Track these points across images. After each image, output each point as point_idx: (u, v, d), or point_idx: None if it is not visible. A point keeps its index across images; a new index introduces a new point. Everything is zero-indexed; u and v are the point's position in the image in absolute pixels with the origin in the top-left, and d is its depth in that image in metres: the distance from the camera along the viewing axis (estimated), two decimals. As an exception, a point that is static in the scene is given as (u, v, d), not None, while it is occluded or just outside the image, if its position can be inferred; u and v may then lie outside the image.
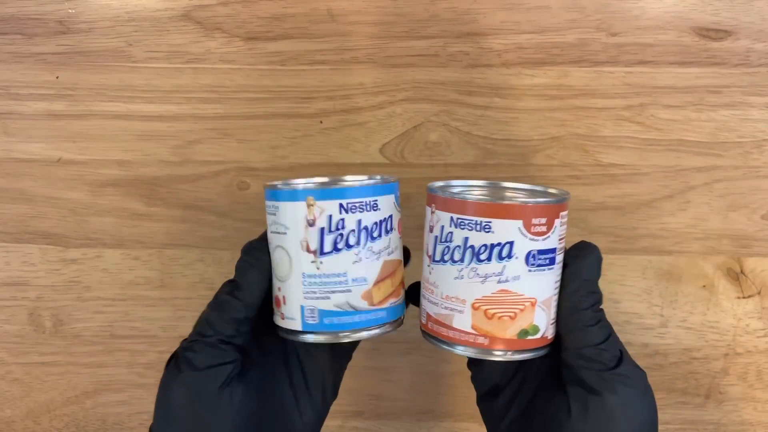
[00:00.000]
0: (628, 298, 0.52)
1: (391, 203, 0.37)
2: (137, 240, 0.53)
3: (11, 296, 0.53)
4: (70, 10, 0.52)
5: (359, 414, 0.54)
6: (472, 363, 0.42)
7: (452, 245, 0.36)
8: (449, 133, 0.52)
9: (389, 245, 0.37)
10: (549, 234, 0.35)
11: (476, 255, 0.35)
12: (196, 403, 0.36)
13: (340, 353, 0.41)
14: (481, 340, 0.36)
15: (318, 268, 0.36)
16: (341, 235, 0.36)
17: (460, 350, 0.37)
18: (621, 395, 0.35)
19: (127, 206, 0.53)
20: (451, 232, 0.36)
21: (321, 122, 0.52)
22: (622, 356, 0.36)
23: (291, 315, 0.37)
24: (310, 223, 0.36)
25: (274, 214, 0.37)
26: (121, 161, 0.53)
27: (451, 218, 0.36)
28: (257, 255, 0.38)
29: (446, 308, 0.36)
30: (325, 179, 0.38)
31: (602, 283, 0.46)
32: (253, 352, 0.39)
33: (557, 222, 0.36)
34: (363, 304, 0.37)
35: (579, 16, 0.51)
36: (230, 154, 0.52)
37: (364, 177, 0.38)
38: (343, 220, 0.36)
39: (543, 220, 0.35)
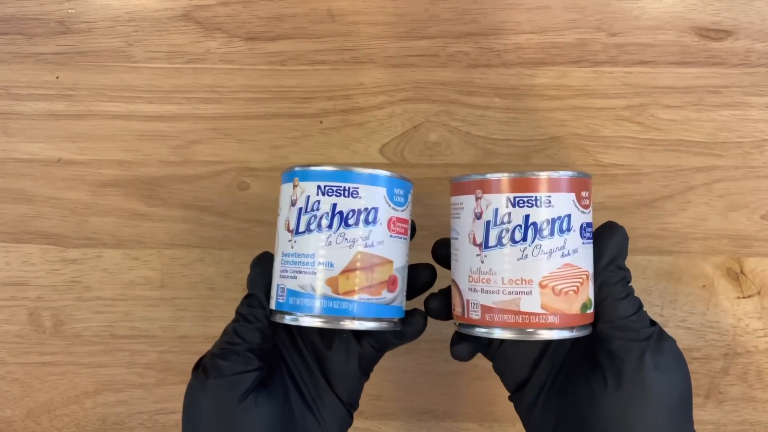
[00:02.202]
0: (628, 298, 0.52)
1: (379, 196, 0.37)
2: (137, 240, 0.53)
3: (11, 296, 0.53)
4: (70, 10, 0.52)
5: (359, 414, 0.54)
6: (499, 360, 0.42)
7: (511, 226, 0.35)
8: (449, 133, 0.52)
9: (369, 237, 0.37)
10: (590, 208, 0.36)
11: (539, 231, 0.35)
12: (221, 408, 0.36)
13: (361, 363, 0.41)
14: (552, 318, 0.35)
15: (292, 247, 0.37)
16: (315, 216, 0.36)
17: (532, 335, 0.35)
18: (656, 363, 0.35)
19: (127, 206, 0.53)
20: (509, 212, 0.35)
21: (321, 122, 0.52)
22: (654, 326, 0.37)
23: (272, 294, 0.38)
24: (293, 203, 0.37)
25: (279, 197, 0.39)
26: (121, 161, 0.53)
27: (508, 198, 0.35)
28: (265, 265, 0.39)
29: (510, 293, 0.35)
30: (327, 165, 0.38)
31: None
32: (276, 361, 0.40)
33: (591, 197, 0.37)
34: (326, 290, 0.36)
35: (579, 16, 0.51)
36: (230, 154, 0.52)
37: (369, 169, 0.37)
38: (318, 201, 0.36)
39: (587, 194, 0.36)
